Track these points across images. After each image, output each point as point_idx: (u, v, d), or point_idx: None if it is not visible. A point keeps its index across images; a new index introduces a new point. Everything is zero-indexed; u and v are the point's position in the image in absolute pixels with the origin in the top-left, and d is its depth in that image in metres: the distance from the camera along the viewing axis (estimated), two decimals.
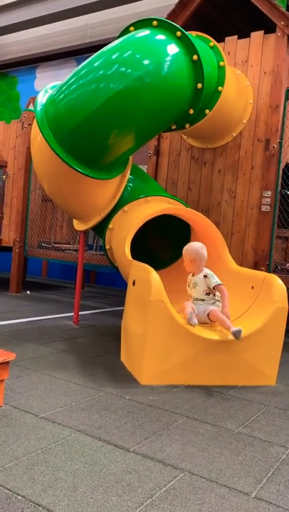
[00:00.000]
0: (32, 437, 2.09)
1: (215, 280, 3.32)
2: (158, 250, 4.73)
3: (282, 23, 4.63)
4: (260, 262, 4.67)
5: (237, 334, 2.96)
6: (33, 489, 1.67)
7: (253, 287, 3.44)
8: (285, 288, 3.24)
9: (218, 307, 3.29)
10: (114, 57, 3.53)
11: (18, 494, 1.63)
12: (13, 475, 1.75)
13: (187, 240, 4.35)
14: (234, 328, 2.99)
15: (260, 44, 4.83)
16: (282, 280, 3.32)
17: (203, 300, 3.35)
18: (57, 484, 1.71)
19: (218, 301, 3.33)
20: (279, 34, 4.69)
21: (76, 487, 1.71)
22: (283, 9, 4.74)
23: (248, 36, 4.91)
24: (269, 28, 4.78)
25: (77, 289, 4.86)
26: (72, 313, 4.91)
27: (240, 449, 2.15)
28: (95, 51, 3.71)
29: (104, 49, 3.63)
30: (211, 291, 3.34)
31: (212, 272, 3.38)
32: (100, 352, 3.71)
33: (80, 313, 4.91)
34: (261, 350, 3.14)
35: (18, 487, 1.67)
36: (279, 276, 3.35)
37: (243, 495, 1.76)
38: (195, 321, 3.03)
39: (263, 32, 4.82)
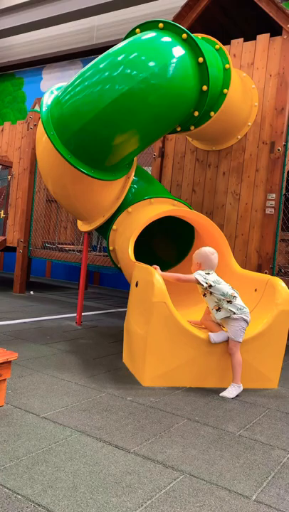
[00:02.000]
0: (33, 437, 2.09)
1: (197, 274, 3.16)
2: (162, 252, 4.73)
3: (288, 25, 4.63)
4: (264, 264, 4.66)
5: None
6: (33, 489, 1.67)
7: (256, 290, 3.43)
8: (288, 291, 3.23)
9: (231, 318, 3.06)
10: (119, 59, 3.53)
11: (18, 494, 1.63)
12: (14, 474, 1.76)
13: (191, 242, 4.36)
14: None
15: (266, 47, 4.83)
16: (286, 283, 3.31)
17: (219, 310, 3.13)
18: (57, 484, 1.71)
19: (232, 311, 3.07)
20: (285, 37, 4.68)
21: (76, 487, 1.71)
22: None
23: (254, 39, 4.91)
24: (275, 30, 4.78)
25: (80, 290, 4.86)
26: (75, 314, 4.91)
27: (241, 452, 2.15)
28: (101, 53, 3.73)
29: (109, 51, 3.64)
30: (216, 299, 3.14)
31: (209, 272, 3.19)
32: (102, 353, 3.71)
33: (83, 314, 4.92)
34: (264, 353, 3.13)
35: (18, 486, 1.68)
36: (282, 280, 3.34)
37: (243, 498, 1.75)
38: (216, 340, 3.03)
39: (269, 35, 4.82)
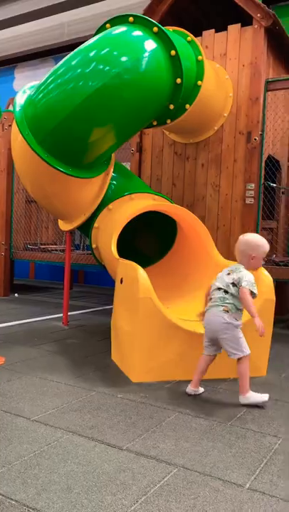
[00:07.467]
0: (24, 441, 2.07)
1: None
2: (145, 247, 4.72)
3: (258, 15, 4.64)
4: None
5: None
6: (27, 493, 1.66)
7: None
8: (271, 280, 3.26)
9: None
10: (91, 55, 3.50)
11: (12, 499, 1.62)
12: (6, 480, 1.74)
13: (173, 236, 4.36)
14: None
15: (237, 37, 4.84)
16: (269, 272, 3.34)
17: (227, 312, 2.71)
18: (50, 487, 1.70)
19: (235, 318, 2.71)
20: (256, 26, 4.70)
21: (70, 488, 1.70)
22: (259, 1, 4.75)
23: (226, 30, 4.92)
24: (245, 20, 4.78)
25: (65, 290, 4.83)
26: (62, 314, 4.88)
27: (233, 442, 2.16)
28: (73, 49, 3.68)
29: (81, 47, 3.60)
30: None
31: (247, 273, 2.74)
32: (91, 351, 3.70)
33: (69, 313, 4.89)
34: (251, 342, 3.14)
35: (12, 492, 1.66)
36: (265, 268, 3.37)
37: (236, 487, 1.77)
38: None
39: (239, 25, 4.82)
